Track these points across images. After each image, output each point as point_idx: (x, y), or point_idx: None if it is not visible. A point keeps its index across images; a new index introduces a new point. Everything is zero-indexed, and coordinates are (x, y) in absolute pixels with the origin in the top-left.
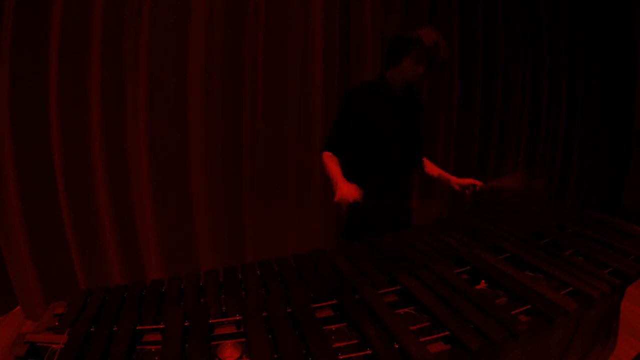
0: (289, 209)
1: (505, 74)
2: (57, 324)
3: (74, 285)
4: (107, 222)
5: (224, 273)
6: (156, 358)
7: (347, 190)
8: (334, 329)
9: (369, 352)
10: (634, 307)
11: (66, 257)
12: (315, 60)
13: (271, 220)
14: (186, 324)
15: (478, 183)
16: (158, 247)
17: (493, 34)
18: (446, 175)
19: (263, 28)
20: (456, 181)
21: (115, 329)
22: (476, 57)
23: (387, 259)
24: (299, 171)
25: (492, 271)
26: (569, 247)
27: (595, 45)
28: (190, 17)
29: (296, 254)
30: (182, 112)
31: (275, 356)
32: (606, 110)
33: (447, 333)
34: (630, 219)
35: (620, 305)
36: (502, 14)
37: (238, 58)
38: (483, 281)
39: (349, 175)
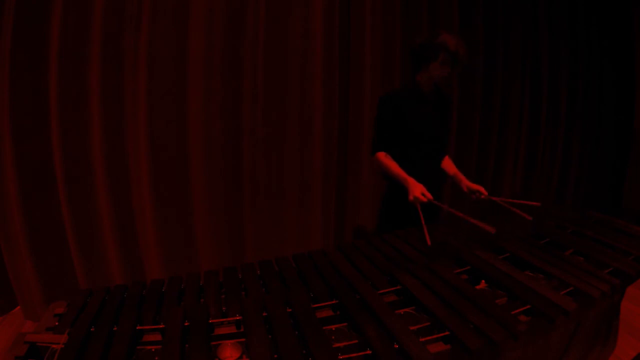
0: (289, 209)
1: (505, 74)
2: (57, 324)
3: (74, 285)
4: (107, 222)
5: (224, 273)
6: (156, 358)
7: (420, 190)
8: (334, 329)
9: (369, 352)
10: (634, 307)
11: (66, 257)
12: (315, 60)
13: (271, 220)
14: (186, 324)
15: (484, 192)
16: (158, 248)
17: (493, 34)
18: (460, 175)
19: (263, 28)
20: (467, 184)
21: (115, 329)
22: (476, 57)
23: (387, 259)
24: (299, 171)
25: (492, 271)
26: (569, 247)
27: (596, 45)
28: (190, 17)
29: (296, 254)
30: (182, 113)
31: (275, 356)
32: (606, 110)
33: (447, 333)
34: (630, 219)
35: (620, 305)
36: (502, 14)
37: (238, 58)
38: (483, 281)
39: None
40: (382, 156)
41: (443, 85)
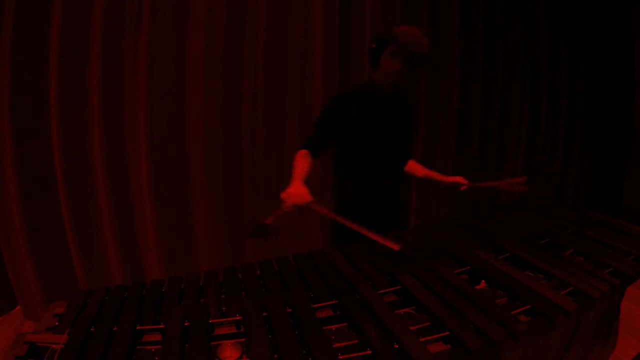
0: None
1: (505, 74)
2: (57, 324)
3: (74, 285)
4: (107, 222)
5: (224, 273)
6: (156, 358)
7: (295, 191)
8: (334, 329)
9: (369, 352)
10: (634, 307)
11: (66, 257)
12: (315, 60)
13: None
14: (186, 324)
15: (464, 182)
16: (158, 248)
17: (493, 34)
18: (433, 173)
19: (263, 28)
20: (443, 179)
21: (115, 329)
22: (476, 56)
23: (387, 259)
24: None
25: (492, 271)
26: (569, 247)
27: (596, 45)
28: (190, 17)
29: (296, 254)
30: (182, 113)
31: (275, 356)
32: (606, 110)
33: (447, 333)
34: (630, 219)
35: (620, 305)
36: (502, 14)
37: (238, 58)
38: (483, 281)
39: (344, 176)
40: (300, 154)
41: (405, 87)
